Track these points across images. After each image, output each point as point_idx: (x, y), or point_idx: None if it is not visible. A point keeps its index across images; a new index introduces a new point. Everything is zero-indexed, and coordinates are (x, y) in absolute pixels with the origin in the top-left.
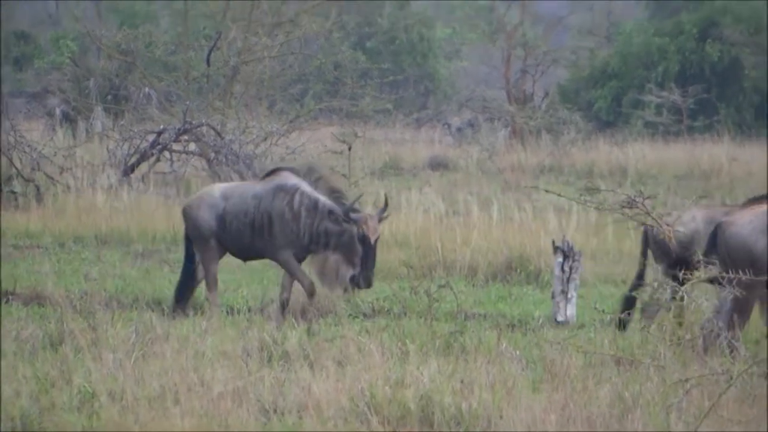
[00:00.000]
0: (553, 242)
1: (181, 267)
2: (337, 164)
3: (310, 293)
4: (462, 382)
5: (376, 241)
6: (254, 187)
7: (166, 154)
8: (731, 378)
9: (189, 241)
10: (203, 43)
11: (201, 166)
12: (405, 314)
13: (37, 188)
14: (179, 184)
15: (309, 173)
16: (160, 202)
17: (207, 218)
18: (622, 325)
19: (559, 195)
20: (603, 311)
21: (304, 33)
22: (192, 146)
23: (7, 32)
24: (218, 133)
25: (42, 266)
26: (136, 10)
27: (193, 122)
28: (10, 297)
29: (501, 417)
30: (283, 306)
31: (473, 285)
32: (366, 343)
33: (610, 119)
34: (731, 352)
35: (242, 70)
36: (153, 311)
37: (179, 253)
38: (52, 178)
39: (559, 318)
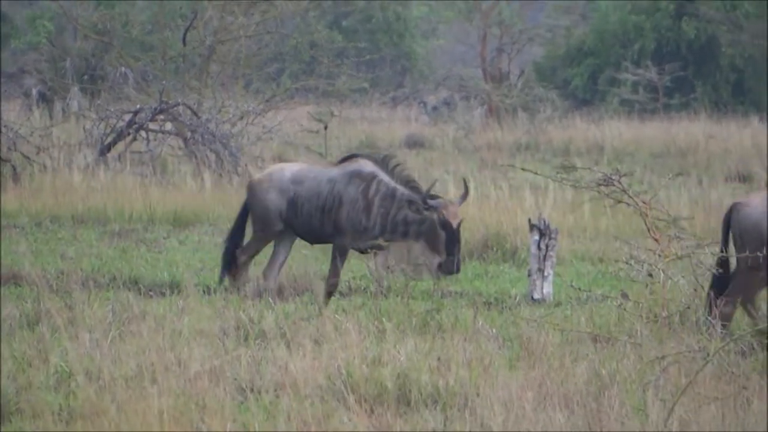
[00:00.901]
0: (530, 220)
1: (229, 235)
2: (313, 143)
3: (329, 292)
4: (439, 360)
5: (458, 225)
6: (329, 171)
7: (143, 133)
8: (708, 355)
9: (245, 213)
10: (179, 23)
11: (177, 145)
12: (381, 293)
13: (14, 168)
14: (155, 164)
15: (385, 161)
16: (136, 181)
17: (277, 201)
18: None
19: (536, 173)
20: (579, 289)
21: (280, 12)
22: (168, 126)
23: None
24: (194, 113)
25: (18, 246)
26: None
27: (170, 102)
28: None
29: (478, 395)
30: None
31: None
32: (343, 322)
33: (586, 97)
34: (708, 329)
35: (218, 50)
36: (130, 290)
37: (156, 233)
38: (28, 158)
39: (536, 296)
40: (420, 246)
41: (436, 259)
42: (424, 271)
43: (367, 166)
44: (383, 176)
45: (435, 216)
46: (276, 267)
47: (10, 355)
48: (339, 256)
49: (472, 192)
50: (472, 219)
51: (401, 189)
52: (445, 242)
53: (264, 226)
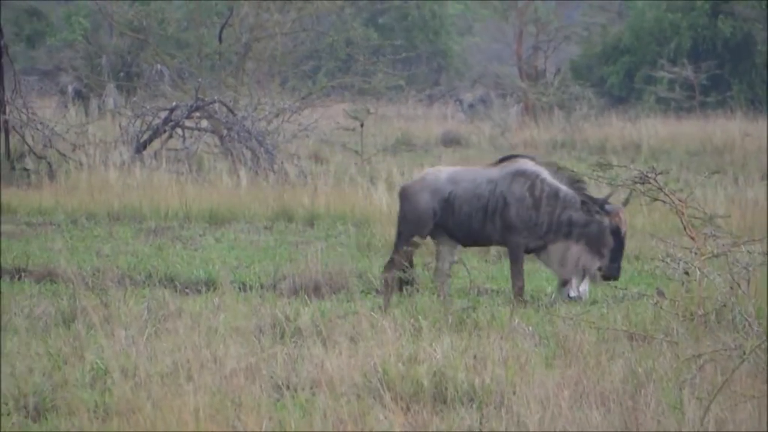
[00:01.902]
0: None
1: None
2: (349, 141)
3: (518, 294)
4: (475, 357)
5: (624, 233)
6: (488, 171)
7: (179, 131)
8: (744, 353)
9: None
10: (215, 20)
11: (213, 142)
12: (418, 290)
13: (50, 165)
14: (191, 161)
15: (548, 163)
16: (172, 178)
17: (430, 202)
18: None
19: (572, 171)
20: (615, 287)
21: (316, 10)
22: (204, 123)
23: (19, 9)
24: (230, 110)
25: (54, 243)
26: None
27: (206, 99)
28: (23, 274)
29: (514, 393)
30: (519, 293)
31: (486, 261)
32: (379, 320)
33: (622, 95)
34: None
35: (254, 47)
36: (165, 288)
37: (191, 230)
38: (64, 155)
39: (572, 294)
40: (580, 248)
41: (596, 263)
42: (578, 273)
43: (528, 165)
44: (546, 175)
45: (607, 221)
46: (444, 272)
47: (46, 353)
48: (516, 256)
49: None
50: None
51: (565, 189)
52: (612, 248)
53: (414, 227)
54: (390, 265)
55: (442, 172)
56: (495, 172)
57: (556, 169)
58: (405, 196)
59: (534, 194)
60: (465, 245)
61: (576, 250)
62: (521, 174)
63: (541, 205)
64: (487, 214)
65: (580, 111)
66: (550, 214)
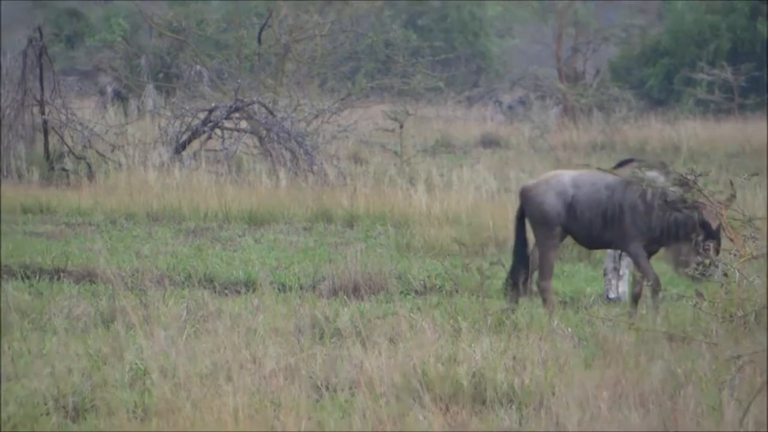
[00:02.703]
0: None
1: (513, 253)
2: (388, 142)
3: (655, 289)
4: (514, 358)
5: (718, 227)
6: (606, 177)
7: (218, 131)
8: None
9: (521, 224)
10: (254, 22)
11: (252, 143)
12: (457, 291)
13: (89, 166)
14: (231, 162)
15: (662, 166)
16: (211, 179)
17: (555, 204)
18: None
19: (611, 172)
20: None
21: (355, 11)
22: (243, 124)
23: (59, 10)
24: (270, 111)
25: (94, 244)
26: None
27: (245, 100)
28: (62, 274)
29: (553, 394)
30: (635, 299)
31: None
32: (418, 320)
33: (661, 97)
34: None
35: (293, 49)
36: (205, 288)
37: (231, 231)
38: (103, 156)
39: (611, 295)
40: (689, 247)
41: (697, 259)
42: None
43: (640, 170)
44: (659, 179)
45: (696, 215)
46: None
47: (85, 353)
48: (639, 260)
49: None
50: None
51: (672, 191)
52: (709, 244)
53: (546, 231)
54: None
55: (565, 175)
56: (612, 178)
57: (666, 172)
58: (528, 197)
59: (646, 201)
60: (590, 248)
61: (686, 250)
62: (633, 181)
63: (653, 210)
64: (606, 220)
65: (619, 113)
66: (661, 219)
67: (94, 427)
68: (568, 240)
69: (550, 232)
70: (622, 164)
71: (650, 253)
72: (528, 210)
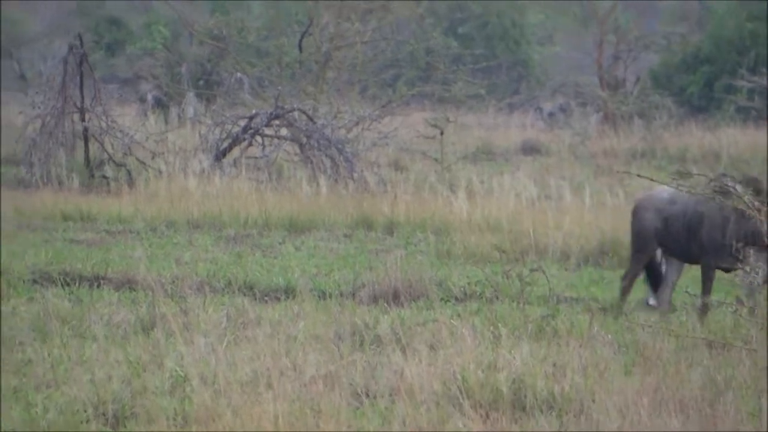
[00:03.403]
0: None
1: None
2: (429, 149)
3: (703, 311)
4: (554, 365)
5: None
6: (696, 192)
7: (258, 139)
8: None
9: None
10: (295, 29)
11: (293, 150)
12: (497, 298)
13: (129, 173)
14: (271, 169)
15: (749, 181)
16: (251, 186)
17: (653, 220)
18: None
19: (652, 179)
20: (695, 295)
21: (395, 18)
22: (284, 131)
23: (100, 18)
24: (310, 118)
25: (134, 251)
26: None
27: (285, 107)
28: (102, 281)
29: (593, 400)
30: (704, 309)
31: (565, 269)
32: (458, 327)
33: (702, 104)
34: None
35: (334, 56)
36: (245, 295)
37: (271, 238)
38: (144, 163)
39: (651, 302)
40: (764, 257)
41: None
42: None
43: (720, 184)
44: (740, 192)
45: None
46: (668, 289)
47: (125, 360)
48: (706, 275)
49: (587, 199)
50: (588, 225)
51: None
52: None
53: (641, 246)
54: (626, 275)
55: (665, 191)
56: (699, 192)
57: (748, 183)
58: (634, 212)
59: (723, 215)
60: (685, 262)
61: (763, 260)
62: (714, 194)
63: (729, 223)
64: (690, 232)
65: (659, 120)
66: (738, 231)
67: None
68: (605, 247)
69: (645, 246)
70: (715, 179)
71: (728, 270)
72: (632, 223)
